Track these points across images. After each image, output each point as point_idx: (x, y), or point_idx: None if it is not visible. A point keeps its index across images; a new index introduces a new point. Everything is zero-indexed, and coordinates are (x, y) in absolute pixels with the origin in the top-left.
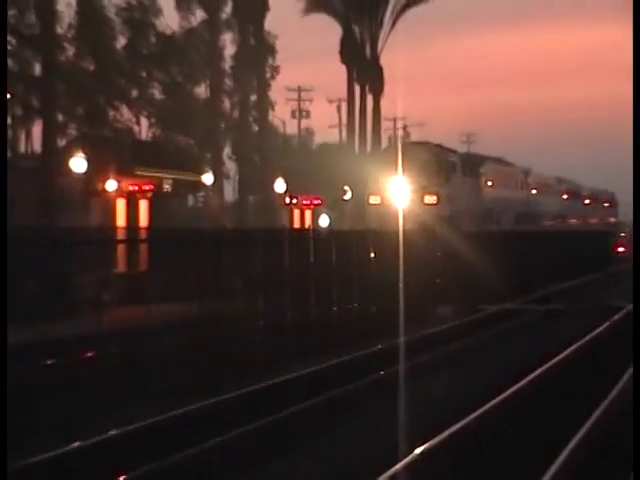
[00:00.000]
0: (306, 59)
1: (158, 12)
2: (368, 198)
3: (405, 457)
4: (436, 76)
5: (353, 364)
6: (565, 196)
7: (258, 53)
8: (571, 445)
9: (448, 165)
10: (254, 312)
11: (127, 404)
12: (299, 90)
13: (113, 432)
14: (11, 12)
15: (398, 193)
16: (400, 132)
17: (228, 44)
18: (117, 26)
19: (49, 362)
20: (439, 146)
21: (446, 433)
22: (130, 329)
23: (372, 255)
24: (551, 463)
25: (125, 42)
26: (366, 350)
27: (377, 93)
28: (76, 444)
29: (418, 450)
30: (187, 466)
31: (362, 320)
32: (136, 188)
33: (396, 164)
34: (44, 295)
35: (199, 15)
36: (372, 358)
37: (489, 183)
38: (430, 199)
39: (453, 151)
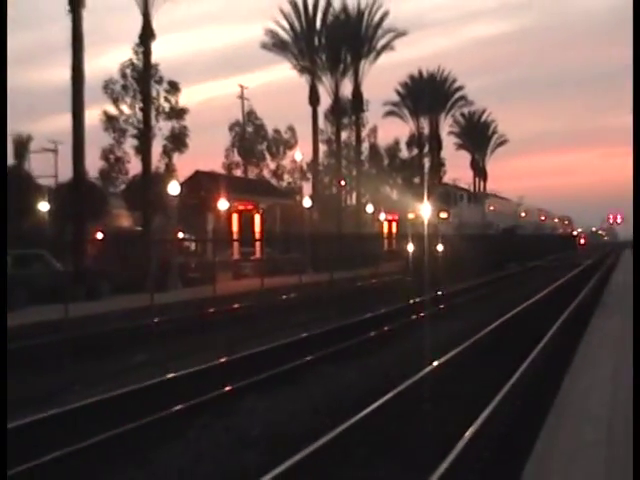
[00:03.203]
0: None
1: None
2: (407, 215)
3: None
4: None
5: (461, 289)
6: (543, 217)
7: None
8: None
9: (456, 196)
10: (388, 273)
11: (340, 314)
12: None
13: (350, 320)
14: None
15: (425, 211)
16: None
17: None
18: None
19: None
20: (455, 186)
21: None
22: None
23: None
24: (565, 310)
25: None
26: (463, 284)
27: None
28: (343, 323)
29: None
30: (385, 334)
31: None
32: None
33: (423, 196)
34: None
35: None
36: (466, 288)
37: (491, 207)
38: (443, 215)
39: (464, 190)
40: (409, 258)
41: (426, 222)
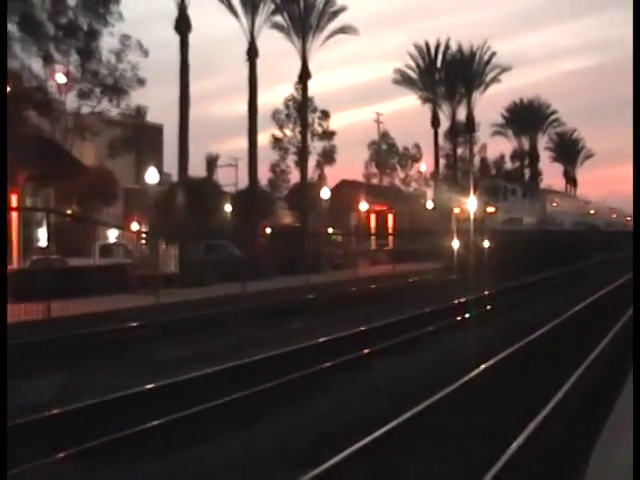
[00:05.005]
0: None
1: None
2: (452, 210)
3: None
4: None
5: (529, 283)
6: (614, 215)
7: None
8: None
9: (507, 190)
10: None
11: (457, 293)
12: None
13: (463, 299)
14: None
15: (471, 206)
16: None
17: None
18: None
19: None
20: (507, 180)
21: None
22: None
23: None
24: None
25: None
26: (535, 277)
27: None
28: (458, 300)
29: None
30: (459, 323)
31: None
32: None
33: (470, 190)
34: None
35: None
36: (542, 279)
37: (554, 204)
38: (490, 209)
39: (519, 185)
40: (455, 254)
41: (472, 216)
